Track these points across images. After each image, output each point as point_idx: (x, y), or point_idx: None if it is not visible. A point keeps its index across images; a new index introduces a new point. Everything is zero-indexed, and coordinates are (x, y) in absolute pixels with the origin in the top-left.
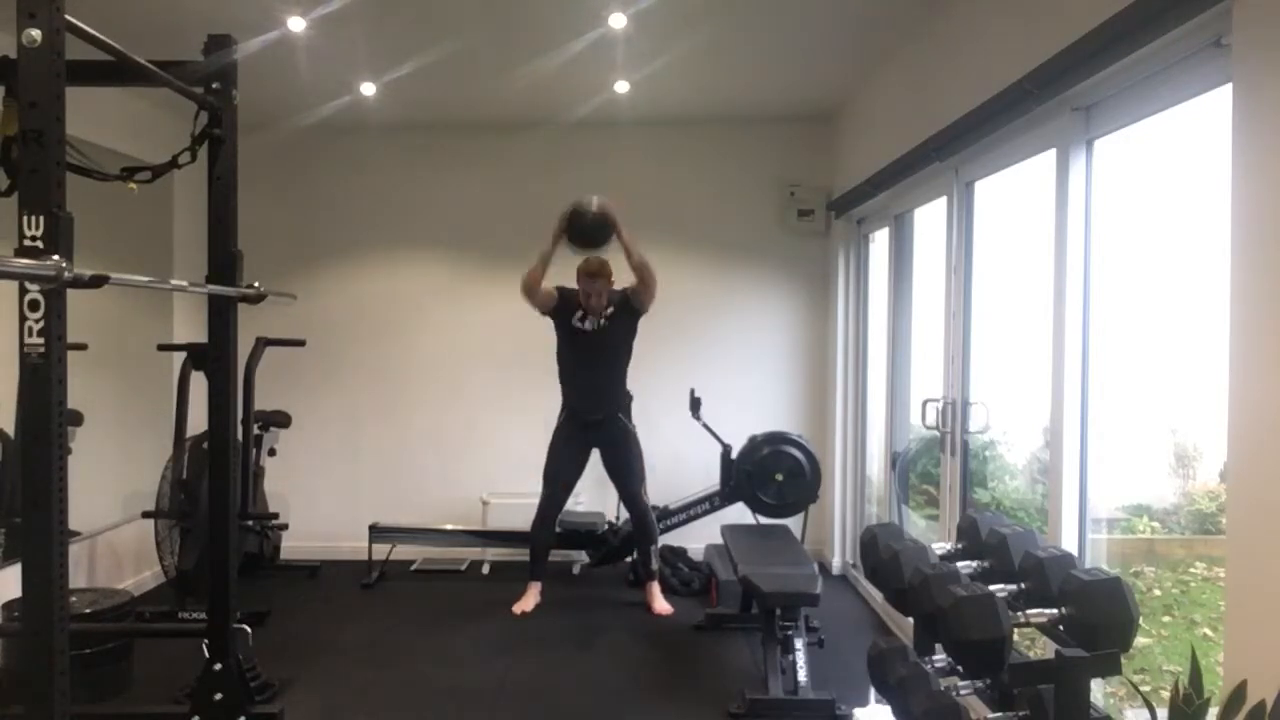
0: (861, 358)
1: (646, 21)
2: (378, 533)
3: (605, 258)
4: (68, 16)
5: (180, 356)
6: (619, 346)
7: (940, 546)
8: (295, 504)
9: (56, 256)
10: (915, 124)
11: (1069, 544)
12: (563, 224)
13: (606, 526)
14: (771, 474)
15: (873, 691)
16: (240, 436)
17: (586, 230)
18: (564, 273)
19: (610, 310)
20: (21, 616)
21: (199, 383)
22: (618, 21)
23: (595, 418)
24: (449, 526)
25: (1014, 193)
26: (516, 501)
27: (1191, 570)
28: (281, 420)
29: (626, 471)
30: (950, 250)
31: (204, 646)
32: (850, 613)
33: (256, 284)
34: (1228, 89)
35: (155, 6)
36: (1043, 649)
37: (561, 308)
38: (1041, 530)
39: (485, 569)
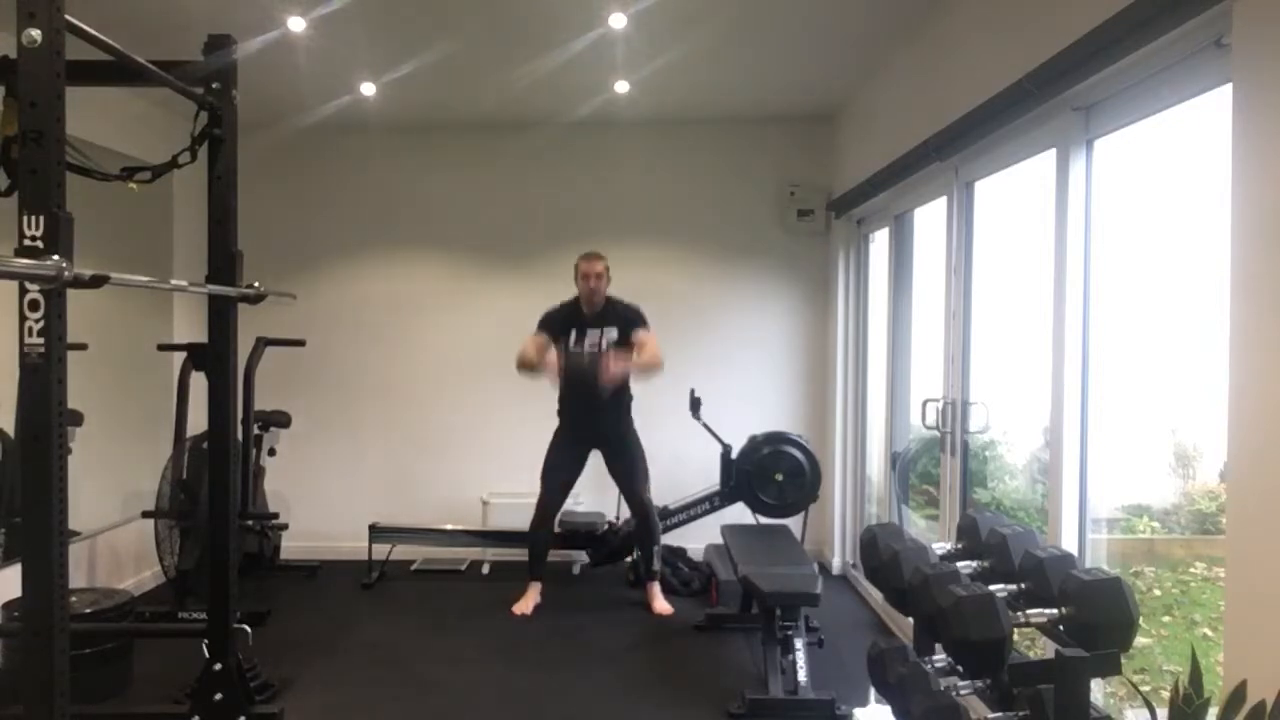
0: (861, 358)
1: (646, 21)
2: (378, 533)
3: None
4: (68, 16)
5: (180, 356)
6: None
7: (940, 546)
8: (295, 504)
9: (56, 256)
10: (915, 124)
11: (1069, 544)
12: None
13: (606, 526)
14: (771, 474)
15: (873, 691)
16: (240, 436)
17: (584, 371)
18: (562, 272)
19: (613, 335)
20: (21, 616)
21: (199, 383)
22: (618, 21)
23: (595, 433)
24: (449, 526)
25: (1014, 193)
26: (516, 501)
27: (1191, 570)
28: (281, 420)
29: (630, 472)
30: (950, 250)
31: (204, 646)
32: (850, 613)
33: (256, 284)
34: (1228, 89)
35: (155, 6)
36: (1043, 649)
37: (557, 332)
38: (1041, 530)
39: (485, 569)
